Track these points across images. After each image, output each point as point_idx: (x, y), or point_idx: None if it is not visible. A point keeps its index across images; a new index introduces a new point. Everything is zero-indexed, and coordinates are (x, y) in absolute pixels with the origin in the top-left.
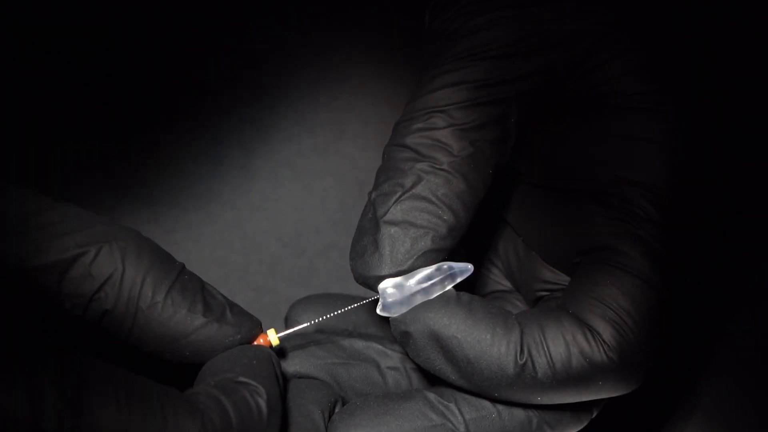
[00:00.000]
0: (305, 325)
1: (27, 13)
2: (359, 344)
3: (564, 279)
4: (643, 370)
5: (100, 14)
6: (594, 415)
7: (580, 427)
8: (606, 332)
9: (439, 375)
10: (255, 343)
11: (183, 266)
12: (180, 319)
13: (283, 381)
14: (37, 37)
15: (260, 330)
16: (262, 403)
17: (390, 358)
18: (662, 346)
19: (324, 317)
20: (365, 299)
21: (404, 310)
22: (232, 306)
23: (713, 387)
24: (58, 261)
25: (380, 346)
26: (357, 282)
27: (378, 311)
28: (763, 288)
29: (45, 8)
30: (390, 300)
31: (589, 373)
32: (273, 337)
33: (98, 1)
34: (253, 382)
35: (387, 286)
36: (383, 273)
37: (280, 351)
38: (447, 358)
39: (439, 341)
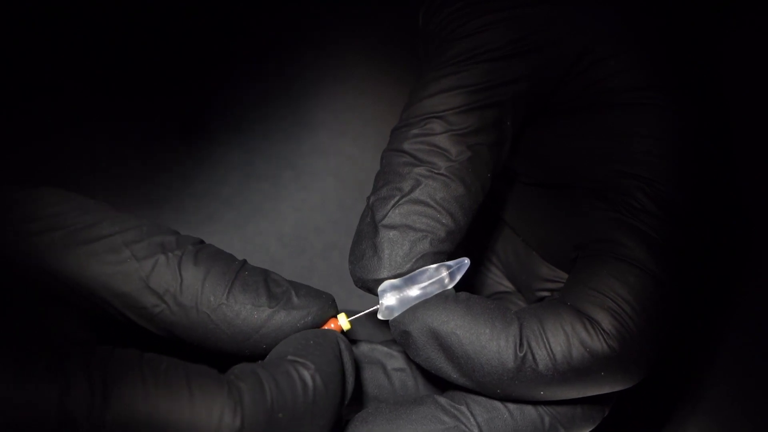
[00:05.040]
0: (374, 308)
1: (26, 13)
2: (364, 347)
3: (564, 277)
4: (646, 360)
5: (98, 16)
6: (606, 413)
7: (593, 426)
8: (605, 321)
9: (440, 374)
10: (324, 327)
11: (244, 263)
12: (246, 315)
13: (353, 365)
14: (36, 37)
15: (334, 306)
16: (307, 376)
17: (396, 359)
18: (664, 337)
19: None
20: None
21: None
22: (299, 289)
23: (714, 388)
24: (115, 273)
25: (385, 348)
26: (356, 285)
27: (378, 315)
28: (763, 288)
29: (42, 8)
30: (389, 303)
31: (590, 363)
32: (344, 321)
33: (96, 3)
34: (302, 359)
35: (386, 288)
36: (382, 276)
37: (350, 339)
38: (447, 355)
39: (438, 339)
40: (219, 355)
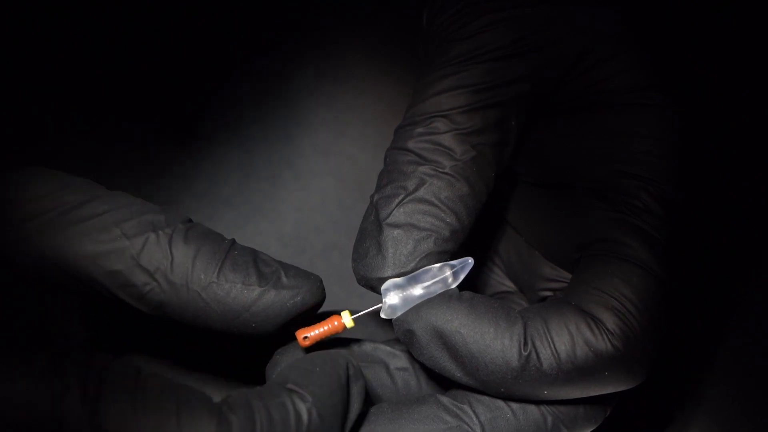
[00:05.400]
0: (377, 307)
1: (26, 13)
2: (368, 346)
3: (566, 276)
4: (648, 360)
5: (98, 16)
6: (608, 413)
7: (595, 426)
8: (609, 321)
9: (444, 373)
10: (328, 325)
11: (233, 242)
12: (237, 294)
13: (362, 394)
14: (36, 37)
15: (321, 288)
16: (303, 409)
17: (399, 358)
18: (666, 336)
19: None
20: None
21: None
22: (288, 269)
23: (714, 388)
24: (105, 252)
25: (388, 348)
26: (359, 284)
27: (381, 314)
28: (763, 288)
29: (42, 8)
30: (392, 301)
31: (594, 363)
32: (347, 319)
33: (96, 3)
34: (300, 389)
35: (389, 287)
36: (386, 275)
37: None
38: (451, 354)
39: (442, 337)
40: (214, 337)
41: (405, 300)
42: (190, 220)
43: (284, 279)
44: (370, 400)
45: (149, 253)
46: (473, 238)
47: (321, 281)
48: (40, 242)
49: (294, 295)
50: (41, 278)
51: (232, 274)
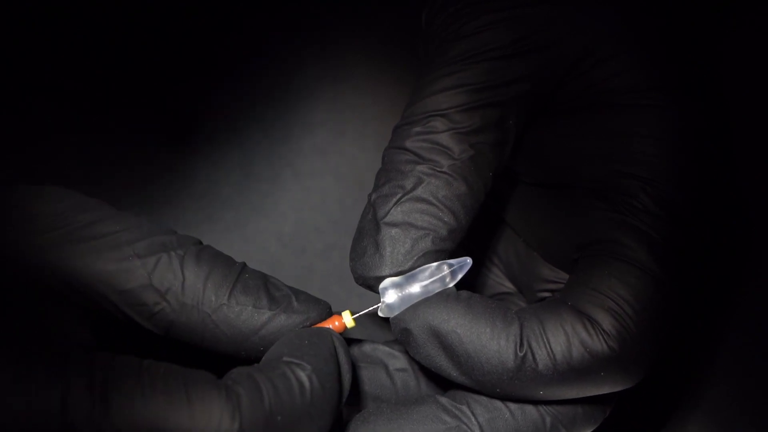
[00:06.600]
0: (377, 306)
1: (26, 13)
2: (367, 347)
3: (565, 277)
4: (645, 360)
5: (98, 15)
6: (607, 413)
7: (594, 427)
8: (605, 321)
9: (440, 372)
10: (329, 325)
11: (244, 265)
12: (247, 317)
13: (350, 363)
14: (36, 37)
15: (329, 313)
16: (304, 377)
17: (398, 359)
18: (664, 338)
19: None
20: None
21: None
22: (298, 294)
23: (714, 388)
24: (117, 270)
25: (387, 348)
26: (357, 283)
27: (379, 313)
28: (763, 288)
29: (42, 8)
30: (390, 300)
31: (590, 364)
32: (348, 319)
33: (96, 3)
34: (298, 360)
35: (387, 285)
36: (384, 273)
37: (353, 339)
38: (447, 354)
39: (438, 337)
40: (215, 357)
41: (402, 299)
42: (200, 242)
43: (295, 303)
44: (367, 400)
45: (161, 273)
46: (472, 238)
47: (330, 307)
48: (50, 256)
49: (304, 320)
50: (47, 290)
51: (243, 297)
